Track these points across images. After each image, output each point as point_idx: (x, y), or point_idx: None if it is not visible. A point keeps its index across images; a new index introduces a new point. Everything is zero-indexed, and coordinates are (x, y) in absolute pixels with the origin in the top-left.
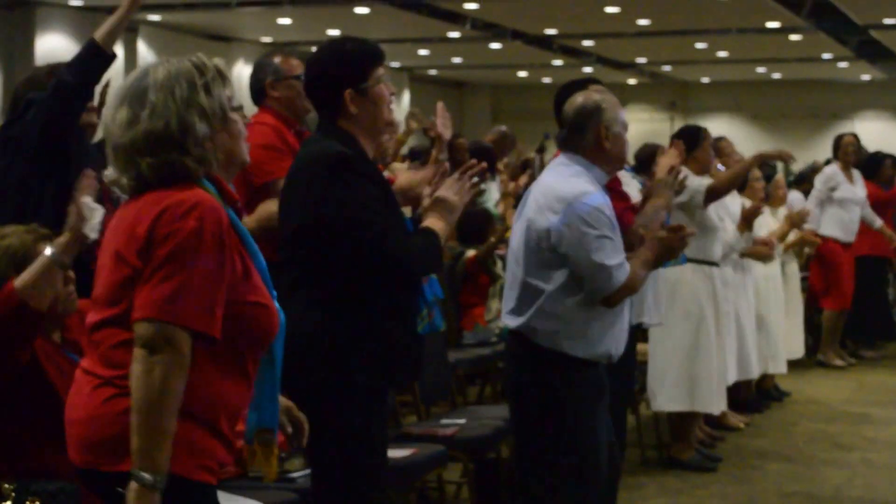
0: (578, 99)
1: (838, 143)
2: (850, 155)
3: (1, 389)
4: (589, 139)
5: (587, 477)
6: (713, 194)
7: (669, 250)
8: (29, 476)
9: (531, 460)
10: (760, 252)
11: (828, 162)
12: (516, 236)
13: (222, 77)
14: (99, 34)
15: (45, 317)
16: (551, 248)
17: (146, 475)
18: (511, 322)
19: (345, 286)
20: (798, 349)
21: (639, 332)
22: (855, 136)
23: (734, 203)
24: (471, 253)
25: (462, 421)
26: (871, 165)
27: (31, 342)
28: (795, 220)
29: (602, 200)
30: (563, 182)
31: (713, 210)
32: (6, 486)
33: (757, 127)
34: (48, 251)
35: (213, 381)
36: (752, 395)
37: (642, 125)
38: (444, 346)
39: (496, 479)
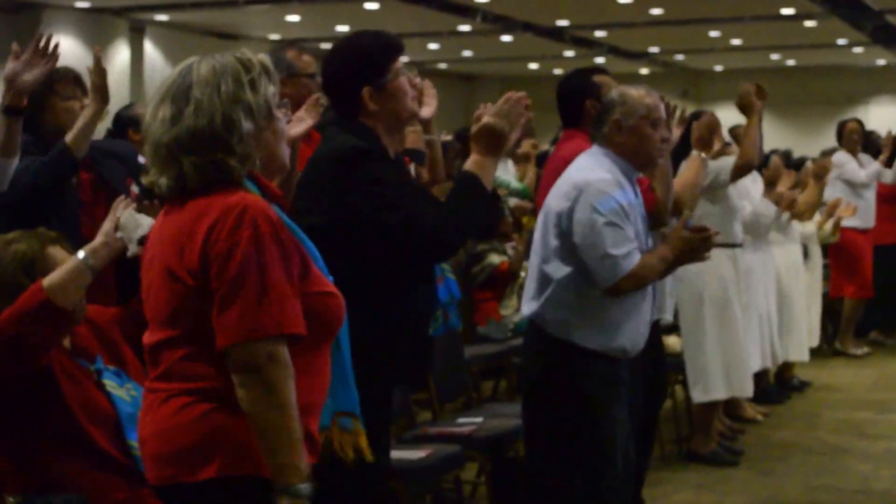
0: (609, 92)
1: (842, 130)
2: (856, 142)
3: (9, 396)
4: (606, 132)
5: (600, 474)
6: (741, 169)
7: (692, 251)
8: (36, 488)
9: (542, 454)
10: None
11: (831, 151)
12: (538, 226)
13: (268, 73)
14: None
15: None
16: (563, 235)
17: (301, 486)
18: (527, 309)
19: (356, 286)
20: (815, 337)
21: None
22: (859, 122)
23: (755, 185)
24: (498, 260)
25: (479, 419)
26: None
27: (55, 343)
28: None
29: (617, 189)
30: (583, 170)
31: (733, 191)
32: (10, 499)
33: (771, 114)
34: (81, 254)
35: (299, 380)
36: (771, 386)
37: None
38: (459, 343)
39: (515, 478)
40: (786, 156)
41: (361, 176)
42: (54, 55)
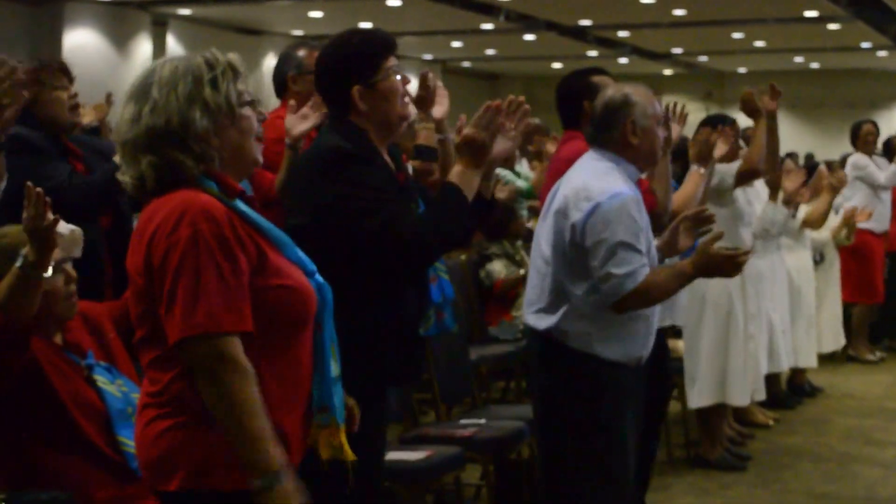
0: (608, 92)
1: (857, 132)
2: (872, 144)
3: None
4: (616, 135)
5: (616, 481)
6: (745, 175)
7: (718, 270)
8: (24, 483)
9: (559, 463)
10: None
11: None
12: (544, 233)
13: (235, 72)
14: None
15: (38, 324)
16: (579, 248)
17: (255, 481)
18: (539, 323)
19: (344, 286)
20: (837, 341)
21: (671, 333)
22: (874, 123)
23: (764, 188)
24: (497, 273)
25: (482, 421)
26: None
27: (21, 351)
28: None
29: (631, 200)
30: (592, 179)
31: (741, 195)
32: None
33: (794, 117)
34: (18, 262)
35: (259, 379)
36: (783, 391)
37: None
38: (465, 343)
39: (517, 481)
40: (808, 159)
41: (342, 178)
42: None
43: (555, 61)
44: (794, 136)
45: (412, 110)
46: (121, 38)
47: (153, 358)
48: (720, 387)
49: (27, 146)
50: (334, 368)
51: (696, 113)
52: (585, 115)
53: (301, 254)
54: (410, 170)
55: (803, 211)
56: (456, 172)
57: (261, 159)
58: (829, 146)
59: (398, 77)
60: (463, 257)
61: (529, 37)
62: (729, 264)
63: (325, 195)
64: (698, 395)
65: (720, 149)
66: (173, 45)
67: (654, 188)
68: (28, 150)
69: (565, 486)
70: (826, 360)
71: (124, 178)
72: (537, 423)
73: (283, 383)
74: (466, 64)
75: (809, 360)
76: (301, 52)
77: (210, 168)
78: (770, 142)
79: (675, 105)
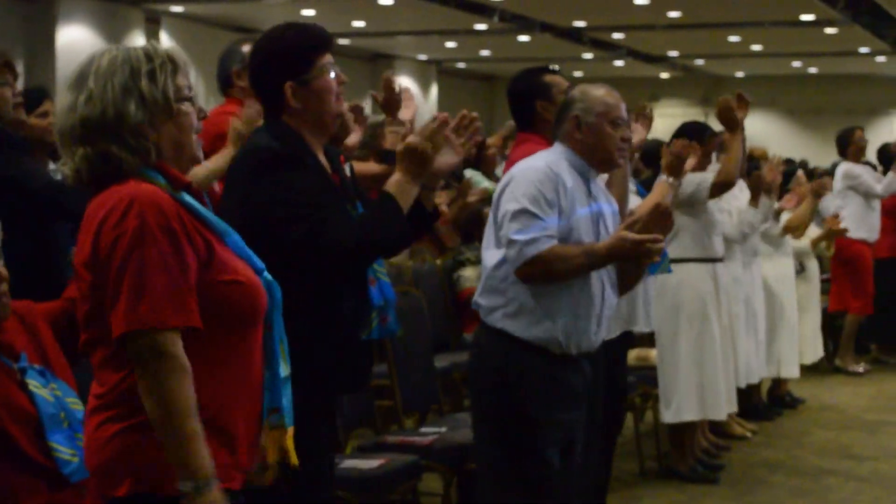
0: (571, 91)
1: (849, 139)
2: (863, 150)
3: None
4: (565, 129)
5: (534, 476)
6: (720, 187)
7: (629, 254)
8: None
9: (481, 453)
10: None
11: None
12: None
13: (174, 65)
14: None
15: None
16: (495, 222)
17: (185, 483)
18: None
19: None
20: (816, 352)
21: (633, 341)
22: (863, 130)
23: (741, 192)
24: (468, 280)
25: (443, 429)
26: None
27: None
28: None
29: (543, 173)
30: (524, 161)
31: (712, 203)
32: None
33: (792, 123)
34: None
35: (206, 378)
36: (762, 402)
37: (674, 120)
38: (430, 350)
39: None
40: (802, 166)
41: (271, 181)
42: None
43: (550, 63)
44: (791, 143)
45: (345, 109)
46: (114, 35)
47: (102, 358)
48: (700, 402)
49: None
50: (284, 369)
51: (693, 117)
52: (538, 116)
53: (249, 251)
54: (349, 171)
55: (785, 218)
56: (393, 181)
57: (201, 156)
58: (827, 152)
59: (332, 75)
60: (438, 262)
61: (524, 38)
62: (640, 249)
63: (255, 197)
64: (677, 411)
65: (690, 163)
66: (167, 42)
67: (611, 191)
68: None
69: (486, 476)
70: (811, 370)
71: (64, 168)
72: (471, 404)
73: (234, 382)
74: (461, 65)
75: (791, 371)
76: (246, 47)
77: (147, 162)
78: (738, 161)
79: (644, 106)
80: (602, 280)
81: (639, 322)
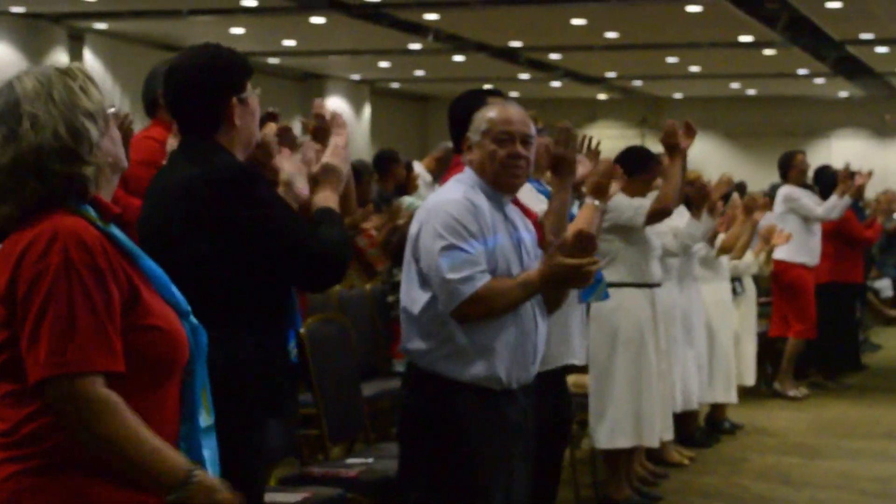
0: None
1: (791, 162)
2: (805, 174)
3: None
4: (465, 154)
5: None
6: (657, 214)
7: (564, 279)
8: None
9: (417, 496)
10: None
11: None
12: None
13: (92, 80)
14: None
15: None
16: (417, 261)
17: (170, 497)
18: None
19: (218, 315)
20: (748, 376)
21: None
22: (804, 154)
23: (678, 215)
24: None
25: (369, 460)
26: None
27: None
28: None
29: (461, 205)
30: (438, 193)
31: (648, 228)
32: None
33: (731, 145)
34: None
35: None
36: (700, 428)
37: (612, 142)
38: (357, 377)
39: None
40: (740, 188)
41: (249, 198)
42: None
43: (486, 83)
44: (730, 165)
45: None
46: (35, 53)
47: (5, 394)
48: (635, 428)
49: None
50: (205, 419)
51: (631, 139)
52: None
53: (176, 292)
54: None
55: (720, 239)
56: (324, 197)
57: (126, 164)
58: (766, 175)
59: (256, 94)
60: (368, 286)
61: (459, 58)
62: (576, 274)
63: (233, 217)
64: (610, 436)
65: (614, 187)
66: (91, 60)
67: (545, 221)
68: None
69: None
70: (749, 394)
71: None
72: (399, 449)
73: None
74: (395, 85)
75: (729, 396)
76: None
77: (86, 188)
78: (677, 189)
79: (589, 139)
80: (533, 309)
81: (576, 356)
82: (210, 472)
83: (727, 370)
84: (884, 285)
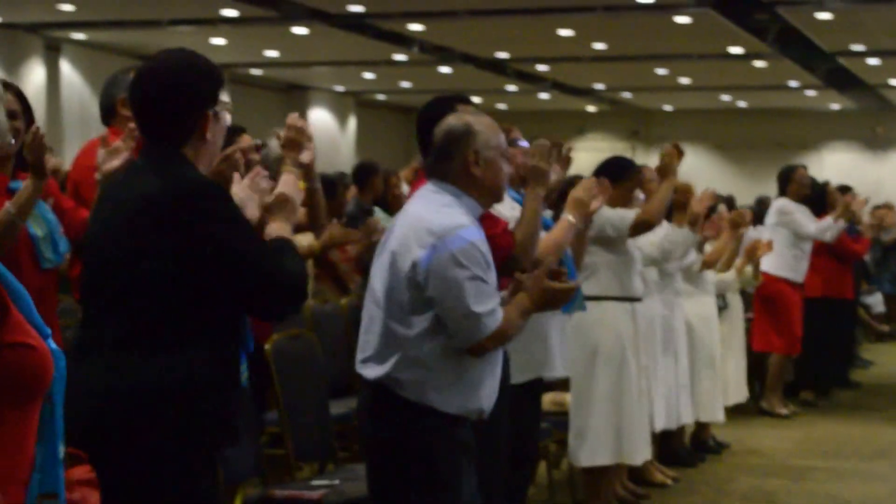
0: (449, 120)
1: (790, 176)
2: (806, 188)
3: None
4: (457, 165)
5: None
6: (642, 226)
7: (553, 302)
8: None
9: None
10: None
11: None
12: (377, 273)
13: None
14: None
15: None
16: (417, 287)
17: None
18: (369, 372)
19: (190, 336)
20: (740, 394)
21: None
22: (806, 168)
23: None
24: None
25: (335, 481)
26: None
27: None
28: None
29: (478, 235)
30: (433, 213)
31: (630, 242)
32: None
33: (722, 157)
34: None
35: None
36: (685, 447)
37: (602, 154)
38: (325, 395)
39: None
40: (728, 202)
41: (217, 215)
42: None
43: (473, 95)
44: (721, 177)
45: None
46: (11, 64)
47: None
48: (616, 445)
49: None
50: (61, 450)
51: (621, 152)
52: None
53: (36, 314)
54: None
55: (705, 252)
56: (278, 227)
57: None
58: (757, 188)
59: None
60: (343, 302)
61: (445, 69)
62: (562, 295)
63: (200, 235)
64: (591, 454)
65: (594, 204)
66: (68, 71)
67: (516, 230)
68: None
69: None
70: (736, 412)
71: None
72: (369, 481)
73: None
74: (381, 97)
75: (715, 415)
76: (132, 75)
77: None
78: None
79: (559, 146)
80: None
81: (554, 368)
82: None
83: (713, 388)
84: (875, 300)
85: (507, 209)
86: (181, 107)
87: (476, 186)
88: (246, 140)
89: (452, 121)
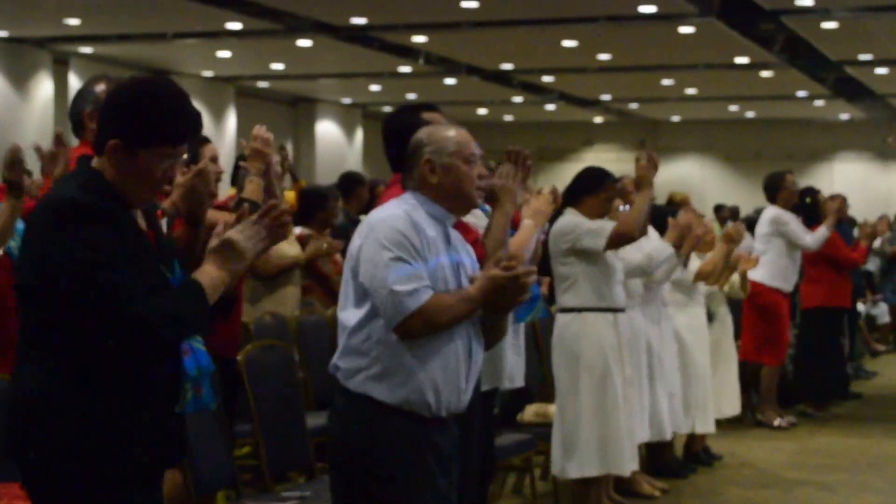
0: (417, 133)
1: (780, 184)
2: (795, 195)
3: None
4: (416, 174)
5: None
6: (619, 238)
7: (501, 293)
8: None
9: None
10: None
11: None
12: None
13: None
14: None
15: None
16: (355, 277)
17: None
18: (331, 368)
19: (83, 355)
20: (733, 406)
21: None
22: (793, 174)
23: (647, 239)
24: None
25: (306, 493)
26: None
27: None
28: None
29: (401, 219)
30: (379, 210)
31: (611, 252)
32: None
33: (730, 168)
34: None
35: None
36: (675, 459)
37: (609, 165)
38: (301, 407)
39: None
40: (732, 212)
41: (72, 236)
42: None
43: (480, 107)
44: (728, 188)
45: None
46: (20, 77)
47: None
48: (602, 456)
49: None
50: None
51: (628, 162)
52: None
53: None
54: (165, 227)
55: (696, 264)
56: (206, 272)
57: None
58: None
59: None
60: (328, 313)
61: (450, 81)
62: (513, 285)
63: (57, 254)
64: (578, 465)
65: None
66: (77, 84)
67: (485, 241)
68: None
69: None
70: (732, 424)
71: None
72: (330, 478)
73: None
74: (388, 109)
75: (706, 426)
76: (99, 87)
77: None
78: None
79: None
80: (468, 335)
81: (511, 378)
82: None
83: (703, 399)
84: (880, 311)
85: (481, 219)
86: (103, 124)
87: (437, 193)
88: (210, 150)
89: (417, 132)
